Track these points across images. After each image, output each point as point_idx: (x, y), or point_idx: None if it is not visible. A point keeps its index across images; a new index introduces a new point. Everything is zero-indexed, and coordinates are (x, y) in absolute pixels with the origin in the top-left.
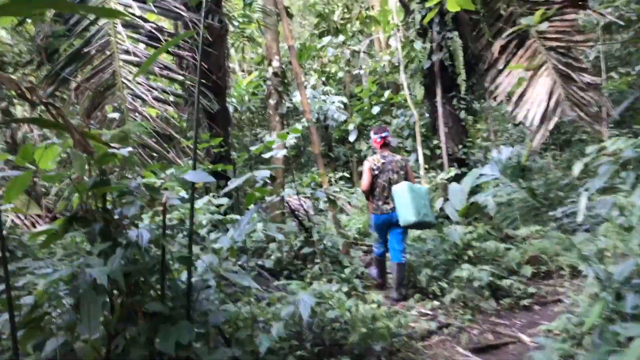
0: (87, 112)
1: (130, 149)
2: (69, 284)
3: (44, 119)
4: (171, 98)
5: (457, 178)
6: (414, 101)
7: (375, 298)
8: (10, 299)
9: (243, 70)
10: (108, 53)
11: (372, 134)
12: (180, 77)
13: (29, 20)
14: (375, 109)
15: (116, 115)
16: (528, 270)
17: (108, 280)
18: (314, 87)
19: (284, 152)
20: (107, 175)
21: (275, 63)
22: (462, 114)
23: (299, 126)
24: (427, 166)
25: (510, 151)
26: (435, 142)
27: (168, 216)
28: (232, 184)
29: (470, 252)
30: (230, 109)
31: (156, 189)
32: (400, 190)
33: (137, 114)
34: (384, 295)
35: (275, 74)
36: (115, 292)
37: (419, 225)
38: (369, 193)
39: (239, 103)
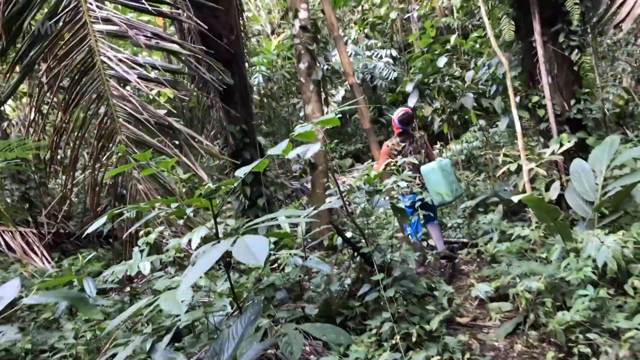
0: (64, 105)
1: None
2: None
3: None
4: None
5: (577, 150)
6: (500, 43)
7: None
8: None
9: (274, 32)
10: (79, 25)
11: (395, 118)
12: (174, 47)
13: None
14: (442, 61)
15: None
16: None
17: None
18: (355, 42)
19: (317, 147)
20: None
21: (303, 14)
22: (574, 55)
23: (340, 92)
24: (526, 133)
25: None
26: (535, 98)
27: None
28: (215, 250)
29: (635, 281)
30: (260, 79)
31: None
32: (431, 170)
33: (126, 102)
34: None
35: (303, 28)
36: None
37: (452, 201)
38: None
39: (271, 71)
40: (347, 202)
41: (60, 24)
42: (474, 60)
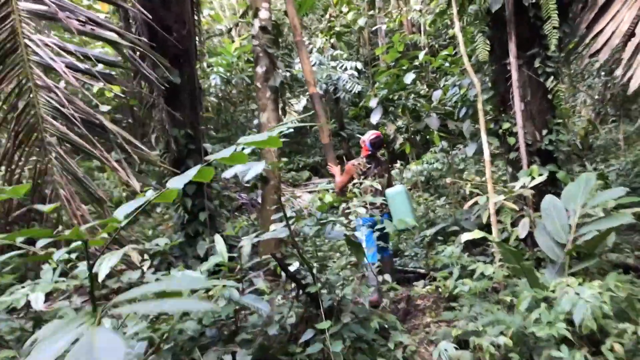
0: None
1: None
2: None
3: None
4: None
5: (546, 184)
6: (472, 63)
7: None
8: None
9: (230, 30)
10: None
11: (365, 139)
12: (111, 35)
13: None
14: (409, 77)
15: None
16: None
17: None
18: (320, 51)
19: (260, 167)
20: None
21: (264, 14)
22: (549, 82)
23: (302, 101)
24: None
25: None
26: (506, 125)
27: None
28: (51, 348)
29: (614, 344)
30: (218, 80)
31: None
32: (397, 194)
33: (51, 94)
34: None
35: (263, 28)
36: None
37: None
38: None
39: (229, 73)
40: (295, 230)
41: None
42: (444, 80)
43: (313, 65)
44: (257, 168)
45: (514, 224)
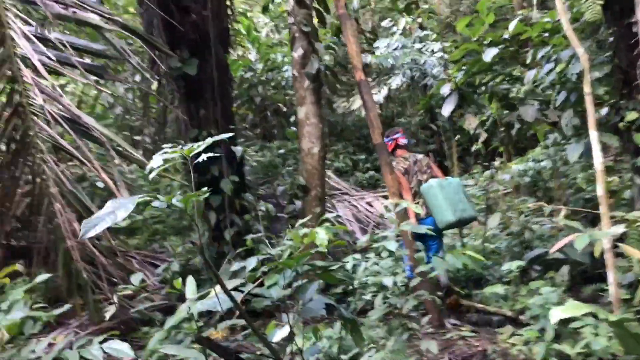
0: None
1: None
2: None
3: None
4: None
5: None
6: (578, 29)
7: None
8: None
9: (266, 8)
10: None
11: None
12: (95, 18)
13: None
14: (490, 53)
15: None
16: None
17: None
18: (407, 34)
19: (123, 213)
20: None
21: None
22: None
23: (383, 90)
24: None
25: None
26: (632, 115)
27: None
28: None
29: None
30: (291, 72)
31: None
32: (428, 188)
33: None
34: None
35: (299, 2)
36: None
37: (458, 223)
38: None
39: None
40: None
41: None
42: (535, 51)
43: (395, 50)
44: (119, 213)
45: None
